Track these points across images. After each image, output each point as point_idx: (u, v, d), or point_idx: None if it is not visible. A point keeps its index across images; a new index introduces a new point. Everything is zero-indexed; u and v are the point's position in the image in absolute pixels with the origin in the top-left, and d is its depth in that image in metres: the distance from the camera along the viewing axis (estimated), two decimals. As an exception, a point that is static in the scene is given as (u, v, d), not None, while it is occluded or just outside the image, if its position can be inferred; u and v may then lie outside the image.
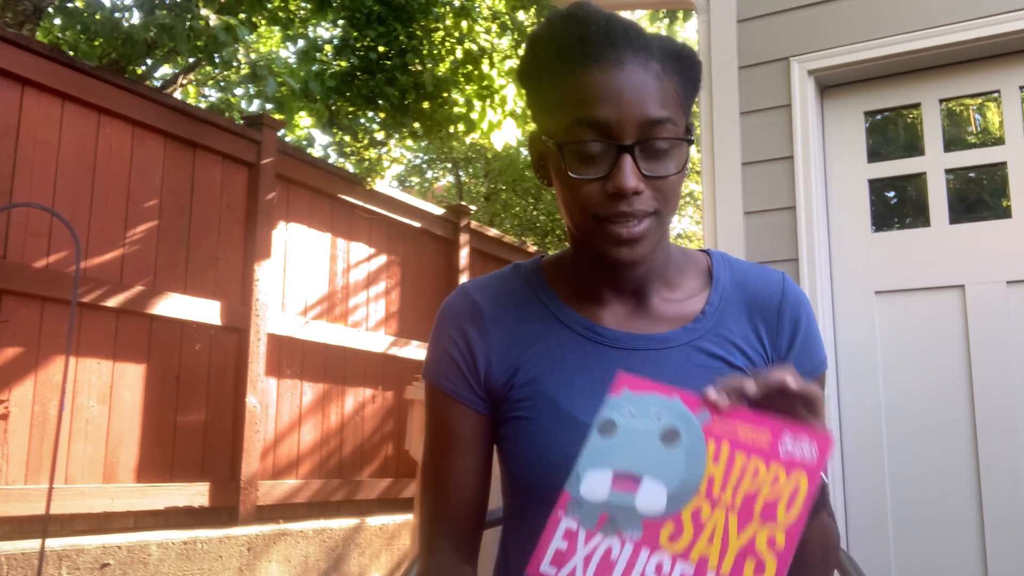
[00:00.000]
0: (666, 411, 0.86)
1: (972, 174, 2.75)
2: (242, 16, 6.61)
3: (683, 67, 1.02)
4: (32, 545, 3.37)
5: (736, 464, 0.83)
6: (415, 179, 13.40)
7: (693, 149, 1.06)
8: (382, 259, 5.94)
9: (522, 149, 11.06)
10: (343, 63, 6.57)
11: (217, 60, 5.92)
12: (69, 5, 6.62)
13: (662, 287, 1.09)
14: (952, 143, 2.74)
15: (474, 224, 6.89)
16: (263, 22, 7.59)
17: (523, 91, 1.09)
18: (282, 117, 6.75)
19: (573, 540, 0.83)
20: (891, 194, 2.88)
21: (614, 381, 0.88)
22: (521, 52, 1.12)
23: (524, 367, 1.08)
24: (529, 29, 7.60)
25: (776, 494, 0.81)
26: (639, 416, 0.87)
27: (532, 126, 1.13)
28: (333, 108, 6.79)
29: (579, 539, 0.83)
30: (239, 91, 9.11)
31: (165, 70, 8.33)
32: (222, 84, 9.44)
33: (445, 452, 1.09)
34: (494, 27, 7.34)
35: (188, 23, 5.41)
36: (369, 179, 5.77)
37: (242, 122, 5.11)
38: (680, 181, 1.02)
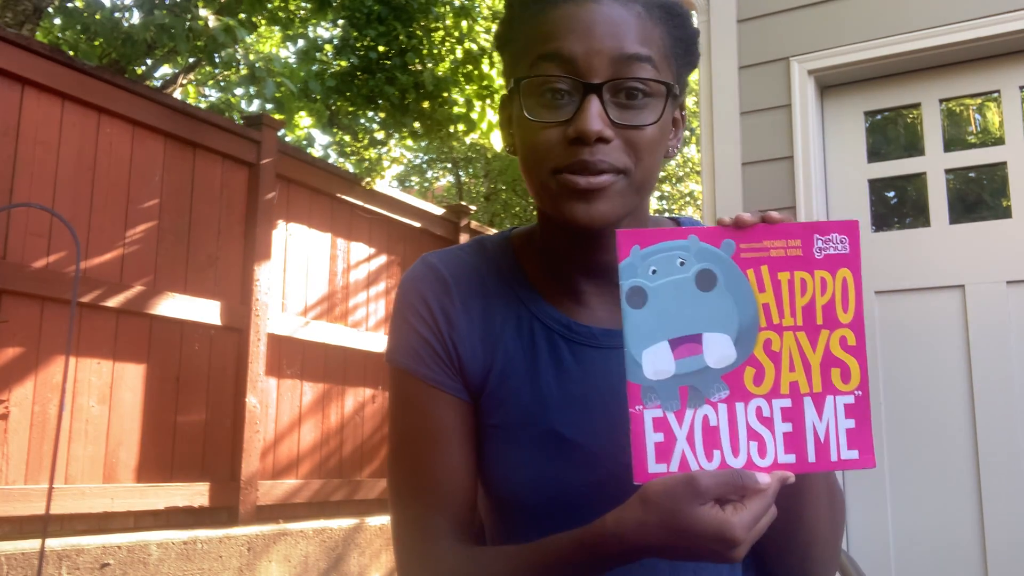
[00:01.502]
0: (688, 255, 0.80)
1: (972, 174, 2.75)
2: (242, 16, 6.61)
3: (672, 20, 0.91)
4: (32, 545, 3.37)
5: (783, 284, 0.80)
6: (415, 179, 13.41)
7: (693, 148, 0.98)
8: (382, 259, 5.94)
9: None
10: (343, 63, 6.57)
11: (217, 60, 5.92)
12: (69, 5, 6.62)
13: None
14: (952, 143, 2.74)
15: (474, 224, 6.89)
16: (263, 22, 7.59)
17: (498, 54, 0.98)
18: (282, 117, 6.75)
19: (666, 427, 0.79)
20: (891, 194, 2.88)
21: (618, 243, 0.80)
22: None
23: (496, 367, 0.95)
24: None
25: (829, 297, 0.80)
26: (663, 271, 0.80)
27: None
28: (333, 108, 6.79)
29: (671, 424, 0.79)
30: (239, 91, 9.11)
31: (165, 70, 8.34)
32: (222, 84, 9.45)
33: (429, 448, 0.94)
34: (494, 27, 7.33)
35: (187, 24, 5.41)
36: (369, 179, 5.77)
37: (242, 122, 5.11)
38: (659, 138, 0.89)
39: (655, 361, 0.80)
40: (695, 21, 3.01)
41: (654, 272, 0.80)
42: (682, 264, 0.80)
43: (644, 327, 0.80)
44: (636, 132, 0.86)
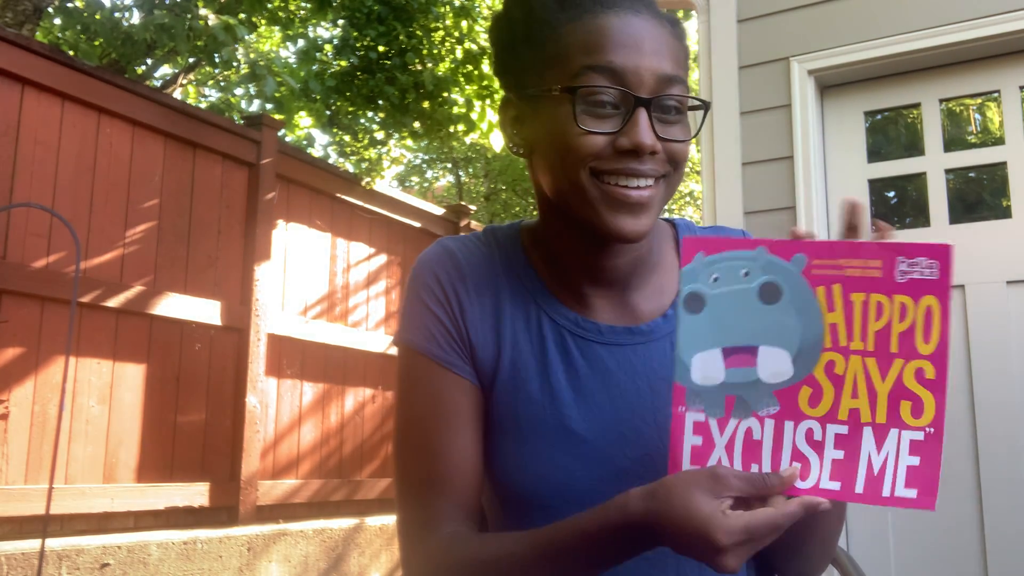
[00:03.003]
0: (754, 266, 0.76)
1: (972, 174, 2.75)
2: (242, 16, 6.62)
3: (682, 35, 0.95)
4: (32, 545, 3.36)
5: (855, 305, 0.74)
6: (415, 179, 13.41)
7: (693, 148, 1.00)
8: (382, 259, 5.94)
9: (522, 149, 11.05)
10: (343, 63, 6.57)
11: (217, 60, 5.92)
12: (69, 5, 6.62)
13: (644, 276, 1.00)
14: (952, 143, 2.74)
15: (474, 224, 6.89)
16: (263, 22, 7.59)
17: (498, 49, 0.98)
18: (282, 117, 6.75)
19: (706, 432, 0.77)
20: (891, 194, 2.88)
21: (682, 249, 0.78)
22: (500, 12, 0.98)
23: (506, 358, 0.96)
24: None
25: (908, 324, 0.74)
26: (725, 280, 0.77)
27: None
28: (333, 108, 6.79)
29: (712, 429, 0.77)
30: (239, 91, 9.12)
31: (165, 70, 8.34)
32: (222, 84, 9.46)
33: (438, 430, 0.94)
34: (494, 27, 7.33)
35: (187, 23, 5.41)
36: (369, 179, 5.78)
37: (242, 122, 5.11)
38: (688, 151, 0.94)
39: (705, 367, 0.77)
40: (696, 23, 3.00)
41: (715, 280, 0.77)
42: (746, 275, 0.77)
43: (698, 332, 0.77)
44: (676, 145, 0.89)
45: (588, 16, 0.88)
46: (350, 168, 6.45)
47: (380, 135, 6.76)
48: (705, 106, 0.92)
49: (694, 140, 0.94)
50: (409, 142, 8.21)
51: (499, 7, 0.99)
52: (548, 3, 0.91)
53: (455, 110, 6.62)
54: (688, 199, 13.01)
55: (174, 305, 4.35)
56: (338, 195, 5.54)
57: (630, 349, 0.96)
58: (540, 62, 0.92)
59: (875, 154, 2.82)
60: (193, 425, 4.46)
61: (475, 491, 0.95)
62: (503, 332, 0.97)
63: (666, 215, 1.02)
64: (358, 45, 6.47)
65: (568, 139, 0.87)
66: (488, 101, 6.74)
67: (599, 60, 0.86)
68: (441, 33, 6.75)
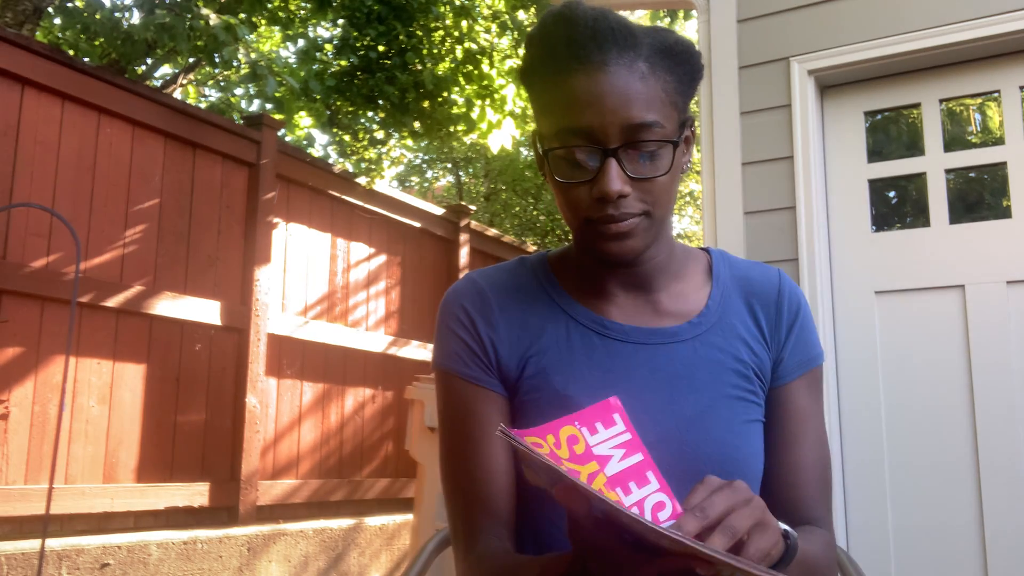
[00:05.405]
0: None
1: (972, 174, 2.75)
2: (242, 16, 6.61)
3: (676, 62, 1.00)
4: (32, 545, 3.37)
5: None
6: (415, 179, 13.40)
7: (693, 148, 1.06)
8: (382, 259, 5.94)
9: (522, 149, 11.07)
10: (343, 62, 6.57)
11: (217, 60, 5.91)
12: (69, 5, 6.62)
13: (668, 281, 1.09)
14: (952, 143, 2.74)
15: (474, 224, 6.88)
16: (263, 22, 7.59)
17: (524, 90, 1.11)
18: (282, 117, 6.75)
19: None
20: (891, 194, 2.88)
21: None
22: (521, 51, 1.14)
23: (533, 359, 1.06)
24: (529, 29, 7.59)
25: None
26: None
27: (532, 125, 1.15)
28: (333, 108, 6.79)
29: None
30: (239, 91, 9.12)
31: (165, 70, 8.33)
32: (222, 84, 9.45)
33: (472, 441, 1.05)
34: (494, 27, 7.33)
35: (188, 23, 5.41)
36: (369, 179, 5.77)
37: (242, 122, 5.11)
38: (672, 180, 1.01)
39: None
40: (696, 39, 2.99)
41: None
42: None
43: None
44: (651, 182, 0.98)
45: (564, 74, 0.97)
46: (350, 168, 6.45)
47: (380, 135, 6.76)
48: (673, 144, 0.99)
49: (697, 148, 0.99)
50: (409, 142, 8.21)
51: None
52: (543, 55, 1.00)
53: (455, 110, 6.61)
54: (688, 199, 13.00)
55: (174, 305, 4.35)
56: (338, 195, 5.54)
57: (653, 348, 1.05)
58: (538, 109, 1.03)
59: (875, 154, 2.82)
60: (193, 425, 4.46)
61: (508, 496, 1.05)
62: (530, 335, 1.08)
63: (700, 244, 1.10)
64: (358, 45, 6.47)
65: (559, 192, 1.01)
66: (488, 101, 6.74)
67: (570, 123, 0.96)
68: (441, 33, 6.75)
